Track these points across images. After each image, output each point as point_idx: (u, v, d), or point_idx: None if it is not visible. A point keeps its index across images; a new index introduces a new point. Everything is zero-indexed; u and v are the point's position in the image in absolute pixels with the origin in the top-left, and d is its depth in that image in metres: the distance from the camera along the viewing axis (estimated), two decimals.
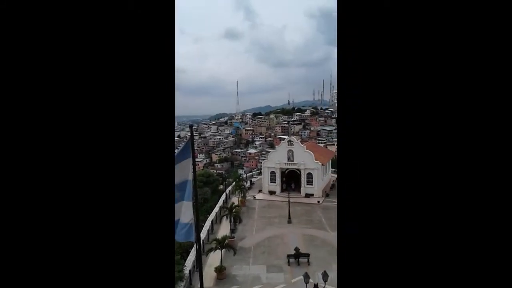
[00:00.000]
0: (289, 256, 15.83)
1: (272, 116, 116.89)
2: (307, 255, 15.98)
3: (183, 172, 5.63)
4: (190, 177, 5.67)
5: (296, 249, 15.84)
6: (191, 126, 6.07)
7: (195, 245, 12.28)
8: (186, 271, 13.94)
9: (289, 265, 15.63)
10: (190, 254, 15.28)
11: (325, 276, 11.71)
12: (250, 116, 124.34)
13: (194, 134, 5.94)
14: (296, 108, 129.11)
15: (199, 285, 6.30)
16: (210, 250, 14.92)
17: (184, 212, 5.61)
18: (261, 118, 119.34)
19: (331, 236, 18.68)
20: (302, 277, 12.42)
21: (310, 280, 12.48)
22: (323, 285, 12.09)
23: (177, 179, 5.50)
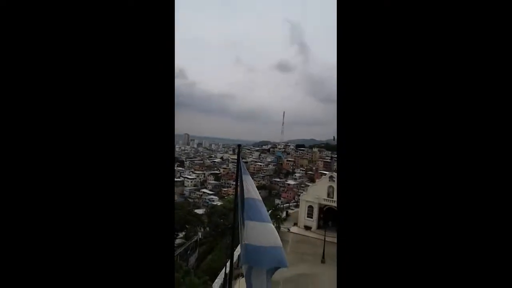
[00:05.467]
0: None
1: (315, 149, 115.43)
2: None
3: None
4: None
5: None
6: (239, 146, 6.10)
7: (224, 269, 12.05)
8: None
9: None
10: (218, 277, 15.01)
11: None
12: (293, 147, 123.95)
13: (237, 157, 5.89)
14: None
15: None
16: (239, 275, 14.56)
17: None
18: (304, 150, 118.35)
19: None
20: None
21: None
22: None
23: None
